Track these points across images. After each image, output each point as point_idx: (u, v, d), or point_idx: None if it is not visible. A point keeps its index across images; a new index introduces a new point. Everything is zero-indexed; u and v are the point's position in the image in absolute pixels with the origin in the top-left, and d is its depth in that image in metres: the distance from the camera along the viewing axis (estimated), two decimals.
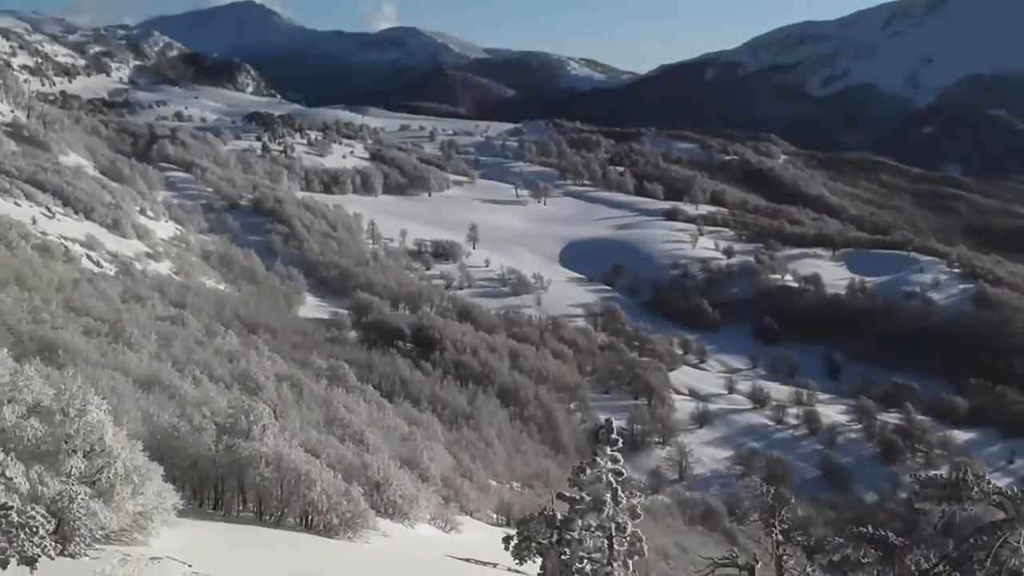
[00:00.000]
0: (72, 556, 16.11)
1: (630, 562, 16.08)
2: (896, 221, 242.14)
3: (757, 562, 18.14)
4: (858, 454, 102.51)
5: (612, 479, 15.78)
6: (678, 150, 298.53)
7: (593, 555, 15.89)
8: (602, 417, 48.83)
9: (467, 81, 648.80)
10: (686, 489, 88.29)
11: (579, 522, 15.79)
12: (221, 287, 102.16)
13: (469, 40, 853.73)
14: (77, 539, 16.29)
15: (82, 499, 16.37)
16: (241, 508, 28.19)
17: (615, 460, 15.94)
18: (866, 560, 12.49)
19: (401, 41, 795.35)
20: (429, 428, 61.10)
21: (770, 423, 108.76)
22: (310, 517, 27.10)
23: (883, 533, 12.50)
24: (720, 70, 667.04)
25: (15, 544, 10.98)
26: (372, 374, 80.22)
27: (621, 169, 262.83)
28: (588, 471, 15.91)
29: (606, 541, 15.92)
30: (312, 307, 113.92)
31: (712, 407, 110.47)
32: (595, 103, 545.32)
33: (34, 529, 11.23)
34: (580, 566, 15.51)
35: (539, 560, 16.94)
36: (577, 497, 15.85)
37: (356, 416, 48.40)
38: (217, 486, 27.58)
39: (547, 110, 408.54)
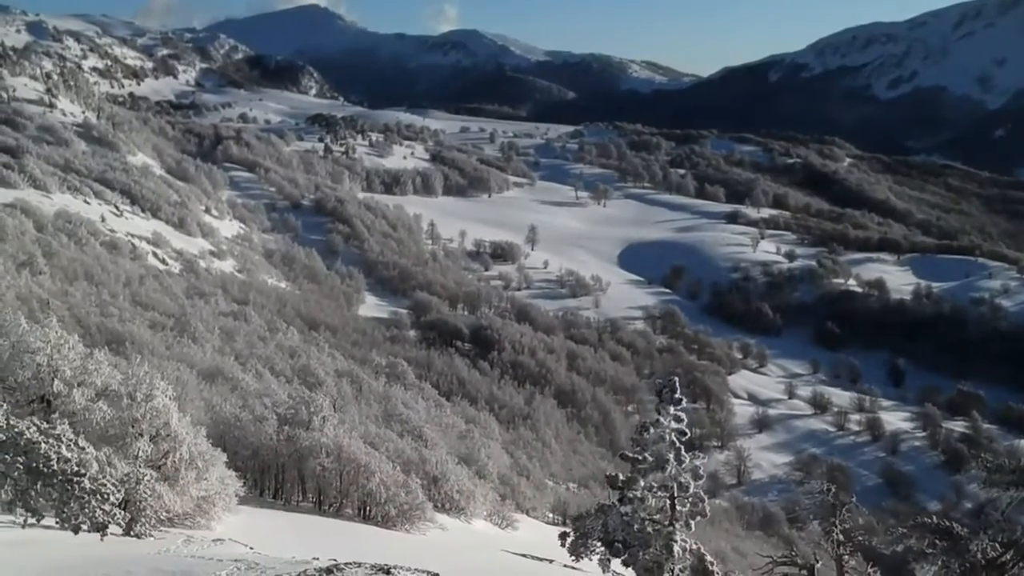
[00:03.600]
0: (138, 536, 16.50)
1: (692, 522, 15.86)
2: (964, 226, 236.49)
3: (817, 562, 17.92)
4: (922, 462, 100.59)
5: (675, 439, 15.53)
6: (740, 153, 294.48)
7: (655, 515, 15.70)
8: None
9: (528, 83, 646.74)
10: (744, 494, 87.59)
11: (641, 482, 15.58)
12: (283, 285, 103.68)
13: (531, 43, 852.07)
14: (143, 520, 16.68)
15: (148, 481, 16.76)
16: (300, 498, 28.65)
17: (678, 419, 15.69)
18: (931, 551, 12.25)
19: (463, 43, 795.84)
20: (487, 427, 61.47)
21: (831, 429, 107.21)
22: (368, 508, 27.40)
23: (947, 523, 12.26)
24: (784, 72, 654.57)
25: (87, 510, 11.27)
26: (430, 373, 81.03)
27: (682, 171, 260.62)
28: (651, 430, 15.66)
29: (668, 501, 15.73)
30: (372, 306, 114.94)
31: (771, 412, 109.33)
32: (656, 105, 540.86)
33: (105, 496, 11.54)
34: (641, 525, 15.34)
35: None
36: (640, 457, 15.63)
37: (414, 413, 48.82)
38: (278, 475, 28.05)
39: (608, 112, 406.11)
